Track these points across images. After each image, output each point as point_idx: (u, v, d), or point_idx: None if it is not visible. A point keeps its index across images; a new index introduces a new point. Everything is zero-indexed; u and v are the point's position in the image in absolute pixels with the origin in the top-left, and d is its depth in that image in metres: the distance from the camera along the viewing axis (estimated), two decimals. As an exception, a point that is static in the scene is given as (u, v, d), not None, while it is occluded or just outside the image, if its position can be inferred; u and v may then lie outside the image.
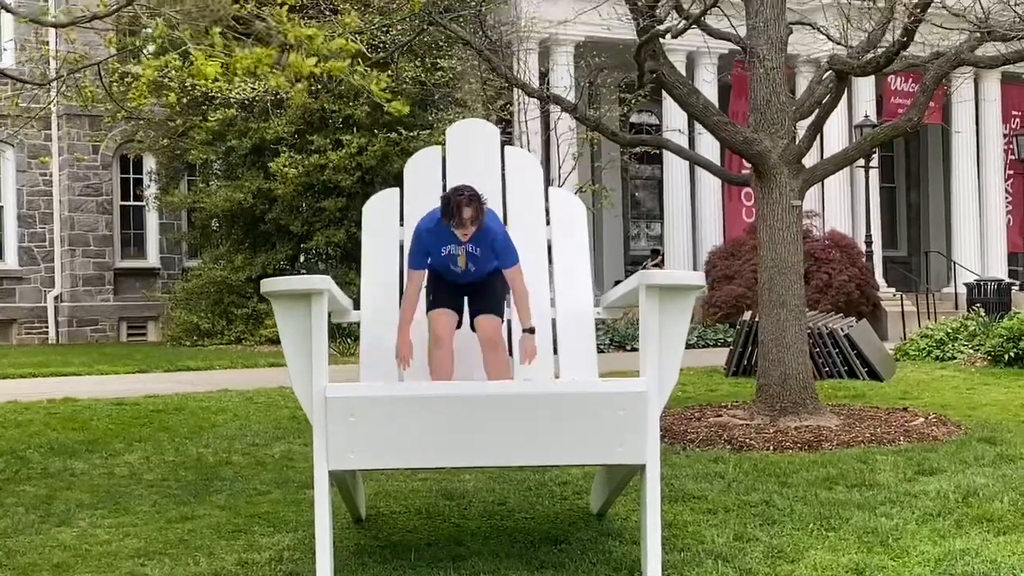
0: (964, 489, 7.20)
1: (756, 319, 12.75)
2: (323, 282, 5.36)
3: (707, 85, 25.41)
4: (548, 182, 22.97)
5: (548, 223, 7.08)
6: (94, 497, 7.54)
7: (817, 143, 24.71)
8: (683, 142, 22.58)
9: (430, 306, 6.60)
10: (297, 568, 5.68)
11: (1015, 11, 10.90)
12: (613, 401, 5.29)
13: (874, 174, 27.84)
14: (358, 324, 6.85)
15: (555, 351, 6.80)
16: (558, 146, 23.81)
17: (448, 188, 6.60)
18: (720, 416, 10.76)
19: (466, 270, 6.51)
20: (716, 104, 23.59)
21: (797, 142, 10.73)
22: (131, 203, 27.62)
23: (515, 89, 15.97)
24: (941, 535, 6.06)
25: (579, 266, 6.96)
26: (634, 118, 28.49)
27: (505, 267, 6.50)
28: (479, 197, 6.27)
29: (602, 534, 6.33)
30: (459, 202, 6.23)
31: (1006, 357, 16.21)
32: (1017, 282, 28.63)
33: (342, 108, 21.93)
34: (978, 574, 5.28)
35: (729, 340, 19.58)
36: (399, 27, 18.01)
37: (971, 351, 17.47)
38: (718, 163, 18.17)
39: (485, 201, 6.33)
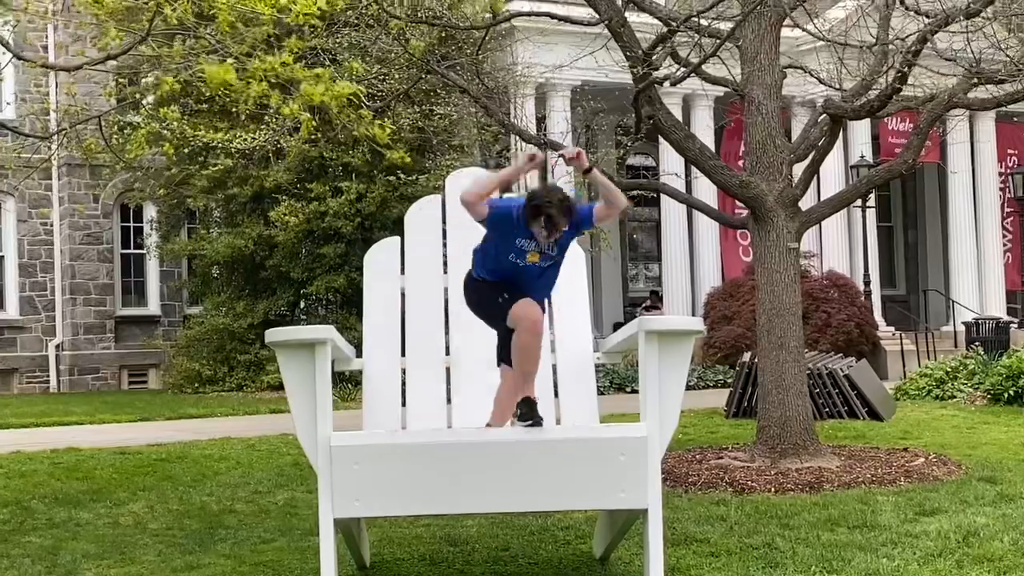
0: (965, 529, 7.24)
1: (755, 360, 12.79)
2: (326, 332, 5.43)
3: (703, 125, 25.56)
4: (547, 226, 22.88)
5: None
6: (99, 547, 7.57)
7: (814, 183, 24.81)
8: (680, 185, 22.65)
9: (511, 299, 5.94)
10: (303, 616, 5.71)
11: (1006, 55, 11.04)
12: (614, 446, 5.35)
13: (871, 213, 27.95)
14: (359, 371, 6.91)
15: (556, 396, 6.85)
16: (556, 189, 23.85)
17: (534, 189, 5.88)
18: (721, 458, 10.79)
19: (532, 266, 5.96)
20: (713, 144, 23.77)
21: (793, 185, 10.82)
22: (132, 251, 27.71)
23: (513, 134, 16.09)
24: (942, 576, 6.10)
25: (578, 311, 7.03)
26: (631, 160, 28.62)
27: (589, 218, 6.05)
28: (572, 203, 5.77)
29: (605, 578, 6.36)
30: (551, 215, 5.70)
31: (1005, 395, 16.24)
32: (1016, 320, 28.67)
33: (340, 156, 22.06)
34: (979, 614, 5.33)
35: (729, 381, 19.61)
36: (397, 75, 18.16)
37: (971, 390, 17.49)
38: (715, 205, 18.27)
39: (574, 202, 5.82)
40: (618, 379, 21.68)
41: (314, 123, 7.95)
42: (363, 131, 6.65)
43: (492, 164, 22.05)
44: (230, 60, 6.82)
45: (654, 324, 5.54)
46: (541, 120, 25.00)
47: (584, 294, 7.08)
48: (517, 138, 18.09)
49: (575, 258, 7.22)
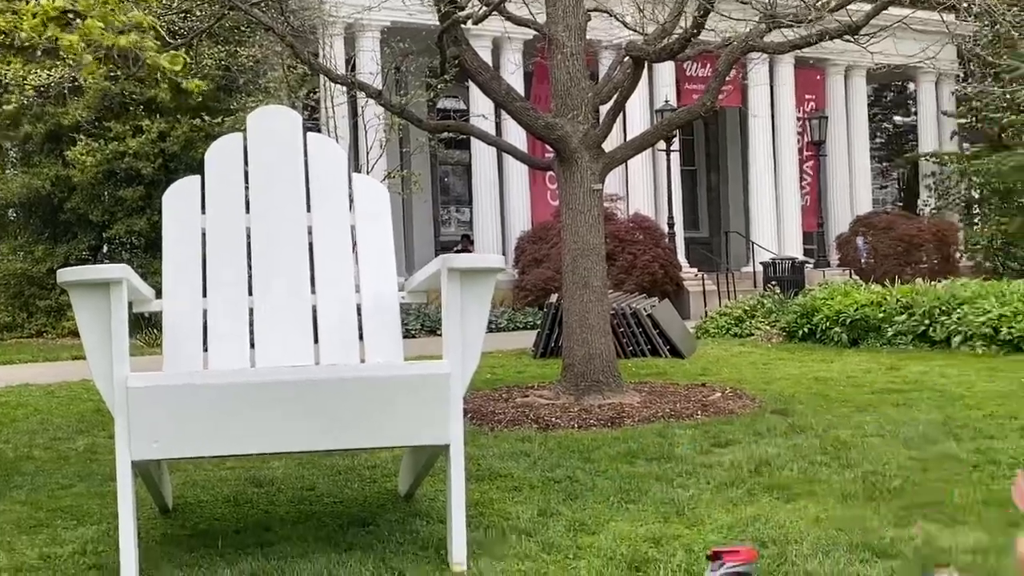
0: (756, 459, 7.52)
1: (561, 301, 12.99)
2: (121, 271, 5.30)
3: (514, 69, 25.69)
4: (357, 169, 22.86)
5: (352, 209, 7.10)
6: None
7: (621, 128, 25.27)
8: (490, 128, 22.81)
9: None
10: (101, 560, 5.61)
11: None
12: (416, 383, 5.38)
13: (675, 157, 28.61)
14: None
15: (360, 337, 6.84)
16: (366, 132, 23.78)
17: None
18: (527, 396, 10.96)
19: None
20: (522, 89, 23.91)
21: (598, 127, 10.99)
22: (-80, 193, 26.45)
23: (321, 75, 15.89)
24: (734, 503, 6.33)
25: (383, 251, 6.99)
26: (442, 103, 28.62)
27: None
28: None
29: (410, 515, 6.42)
30: None
31: (799, 333, 16.89)
32: (811, 260, 29.79)
33: (143, 91, 21.45)
34: (767, 538, 5.55)
35: (538, 323, 19.88)
36: (199, 12, 17.69)
37: (767, 328, 18.15)
38: (525, 148, 18.43)
39: None
40: (429, 322, 21.73)
41: (110, 57, 7.71)
42: (152, 59, 6.45)
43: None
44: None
45: (456, 262, 5.57)
46: (350, 61, 24.75)
47: (389, 236, 7.04)
48: (325, 79, 17.89)
49: (380, 196, 7.19)
